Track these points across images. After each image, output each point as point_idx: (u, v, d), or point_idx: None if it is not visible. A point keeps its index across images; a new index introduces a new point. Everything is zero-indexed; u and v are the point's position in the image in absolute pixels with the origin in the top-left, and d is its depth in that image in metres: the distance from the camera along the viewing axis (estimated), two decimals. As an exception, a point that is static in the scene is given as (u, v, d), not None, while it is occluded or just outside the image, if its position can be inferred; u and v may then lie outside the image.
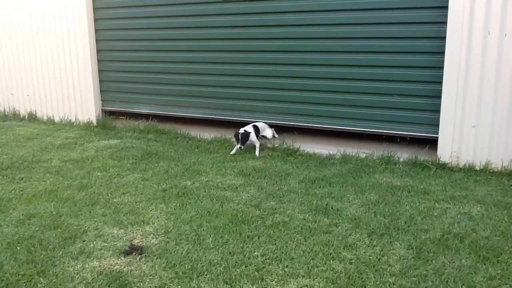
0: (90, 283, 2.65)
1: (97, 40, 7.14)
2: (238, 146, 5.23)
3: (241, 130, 5.33)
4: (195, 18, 6.27)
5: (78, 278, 2.71)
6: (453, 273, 2.71)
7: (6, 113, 8.04)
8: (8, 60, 7.99)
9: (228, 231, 3.31)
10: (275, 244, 3.10)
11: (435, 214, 3.58)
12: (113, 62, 7.13)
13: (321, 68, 5.55)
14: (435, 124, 4.92)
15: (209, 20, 6.18)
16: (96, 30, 7.11)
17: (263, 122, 5.79)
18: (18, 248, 3.07)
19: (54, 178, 4.54)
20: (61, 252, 3.01)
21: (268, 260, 2.89)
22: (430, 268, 2.77)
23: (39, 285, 2.64)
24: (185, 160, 5.10)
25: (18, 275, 2.74)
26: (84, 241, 3.18)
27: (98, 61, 7.20)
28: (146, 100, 6.96)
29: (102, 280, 2.67)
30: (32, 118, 7.73)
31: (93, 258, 2.93)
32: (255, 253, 2.97)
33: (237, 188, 4.22)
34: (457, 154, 4.77)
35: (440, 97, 4.82)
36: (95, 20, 7.08)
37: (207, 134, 6.22)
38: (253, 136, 5.38)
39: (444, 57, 4.73)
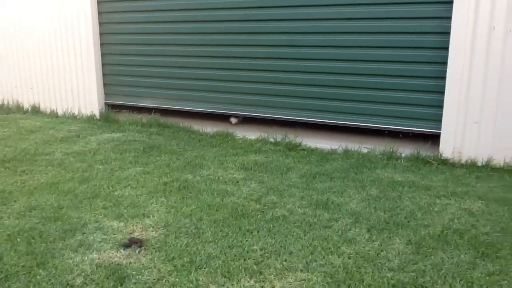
0: (89, 275, 2.67)
1: (101, 34, 7.14)
2: None
3: None
4: (200, 11, 6.25)
5: (77, 270, 2.72)
6: (451, 268, 2.70)
7: (10, 106, 8.07)
8: (12, 54, 8.02)
9: (228, 224, 3.31)
10: (275, 238, 3.11)
11: (436, 209, 3.57)
12: (116, 55, 7.13)
13: (324, 63, 5.53)
14: (438, 120, 4.90)
15: (213, 14, 6.16)
16: (100, 24, 7.10)
17: None
18: (18, 240, 3.08)
19: (56, 170, 4.56)
20: (61, 244, 3.02)
21: (267, 254, 2.89)
22: (429, 263, 2.77)
23: (38, 276, 2.65)
24: (187, 154, 5.11)
25: (18, 266, 2.75)
26: (84, 233, 3.19)
27: (102, 54, 7.20)
28: (149, 94, 6.97)
29: (101, 273, 2.68)
30: (36, 111, 7.76)
31: (93, 251, 2.95)
32: (254, 247, 2.98)
33: (238, 182, 4.22)
34: (459, 150, 4.75)
35: (443, 92, 4.80)
36: (99, 13, 7.07)
37: (210, 128, 6.22)
38: None
39: (448, 53, 4.70)
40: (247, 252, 2.91)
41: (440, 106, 4.85)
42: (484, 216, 3.42)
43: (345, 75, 5.44)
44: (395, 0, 5.02)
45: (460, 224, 3.30)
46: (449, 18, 4.66)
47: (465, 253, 2.87)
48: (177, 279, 2.62)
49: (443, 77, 4.79)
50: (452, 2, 4.61)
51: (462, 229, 3.20)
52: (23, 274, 2.68)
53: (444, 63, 4.76)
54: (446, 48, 4.72)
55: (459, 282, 2.56)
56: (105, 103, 7.36)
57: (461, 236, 3.10)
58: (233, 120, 6.53)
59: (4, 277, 2.65)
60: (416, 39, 5.00)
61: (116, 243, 3.04)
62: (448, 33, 4.68)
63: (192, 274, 2.66)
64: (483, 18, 4.47)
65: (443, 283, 2.56)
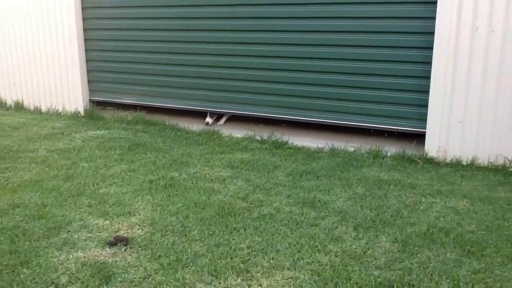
0: (73, 273, 2.63)
1: (85, 29, 7.05)
2: None
3: None
4: (183, 8, 6.21)
5: (61, 268, 2.68)
6: (437, 266, 2.72)
7: (-8, 102, 7.94)
8: (-6, 48, 7.88)
9: (214, 223, 3.30)
10: (261, 236, 3.10)
11: (421, 208, 3.60)
12: (101, 51, 7.04)
13: (310, 62, 5.53)
14: (423, 119, 4.94)
15: (196, 11, 6.12)
16: (84, 19, 7.01)
17: None
18: (1, 238, 3.03)
19: (40, 168, 4.49)
20: (45, 243, 2.98)
21: (254, 252, 2.89)
22: (415, 261, 2.79)
23: (22, 275, 2.61)
24: (173, 152, 5.07)
25: (1, 265, 2.70)
26: (69, 231, 3.15)
27: (86, 50, 7.11)
28: (134, 91, 6.90)
29: (86, 271, 2.65)
30: (19, 107, 7.64)
31: (78, 249, 2.91)
32: (241, 245, 2.97)
33: (224, 180, 4.21)
34: (444, 149, 4.80)
35: (428, 92, 4.83)
36: (83, 8, 6.98)
37: (196, 126, 6.19)
38: None
39: (432, 52, 4.74)
40: (234, 251, 2.90)
41: (425, 106, 4.89)
42: (469, 215, 3.46)
43: (331, 74, 5.44)
44: (380, 0, 5.04)
45: (445, 222, 3.33)
46: (433, 18, 4.70)
47: (451, 251, 2.90)
48: (164, 278, 2.60)
49: (427, 77, 4.83)
50: (436, 2, 4.65)
51: (448, 228, 3.23)
52: (7, 273, 2.64)
53: (429, 62, 4.79)
54: (431, 48, 4.75)
55: (445, 280, 2.58)
56: (90, 100, 7.27)
57: (446, 234, 3.12)
58: (209, 120, 6.42)
59: (-13, 276, 2.61)
60: (401, 39, 5.02)
61: (102, 242, 3.01)
62: (432, 33, 4.71)
63: (178, 273, 2.64)
64: (466, 18, 4.51)
65: (429, 281, 2.57)
